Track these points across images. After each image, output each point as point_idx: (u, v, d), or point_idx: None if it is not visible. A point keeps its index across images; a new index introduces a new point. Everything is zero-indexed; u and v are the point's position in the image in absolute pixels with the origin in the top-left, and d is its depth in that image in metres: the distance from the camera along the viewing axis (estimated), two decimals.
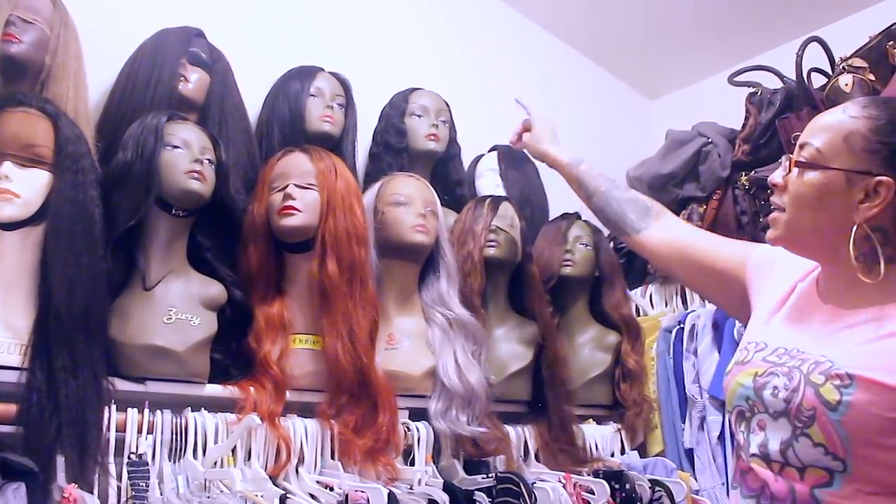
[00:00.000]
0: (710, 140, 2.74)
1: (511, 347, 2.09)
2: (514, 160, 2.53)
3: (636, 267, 2.86)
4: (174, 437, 1.45)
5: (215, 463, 1.47)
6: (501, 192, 2.42)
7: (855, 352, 1.10)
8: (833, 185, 1.16)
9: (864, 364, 1.07)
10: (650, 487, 1.99)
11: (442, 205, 2.05)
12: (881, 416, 1.03)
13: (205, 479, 1.44)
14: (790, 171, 1.22)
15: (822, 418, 1.07)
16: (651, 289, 2.85)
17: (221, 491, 1.42)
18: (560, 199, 2.52)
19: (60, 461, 1.26)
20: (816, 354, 1.13)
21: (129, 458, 1.38)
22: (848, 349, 1.10)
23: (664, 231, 1.57)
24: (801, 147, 1.21)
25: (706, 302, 2.43)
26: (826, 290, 1.23)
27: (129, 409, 1.41)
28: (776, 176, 1.24)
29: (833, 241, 1.17)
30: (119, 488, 1.35)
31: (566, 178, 1.79)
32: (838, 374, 1.07)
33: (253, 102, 2.03)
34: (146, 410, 1.43)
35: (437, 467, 1.78)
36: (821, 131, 1.19)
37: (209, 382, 1.57)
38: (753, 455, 1.17)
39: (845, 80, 2.31)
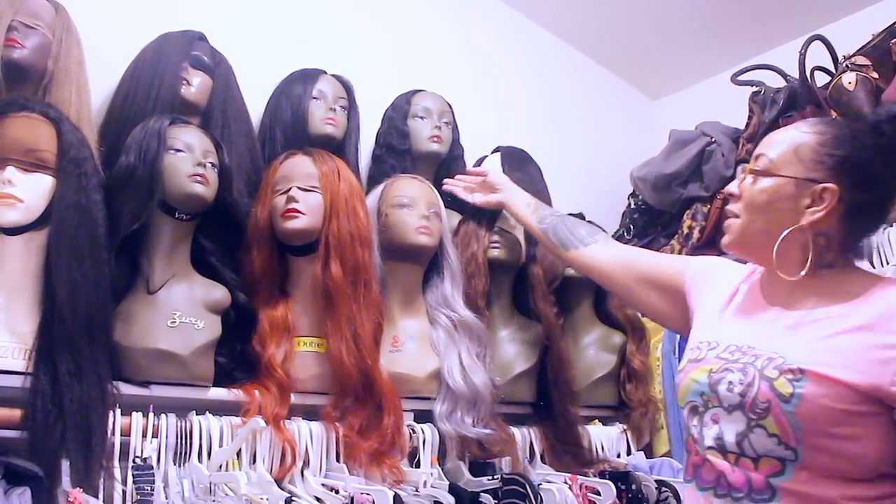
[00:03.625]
0: (713, 139, 2.74)
1: (516, 349, 2.09)
2: (517, 161, 2.51)
3: None
4: (179, 440, 1.45)
5: (220, 466, 1.47)
6: None
7: (806, 349, 1.20)
8: (784, 191, 1.29)
9: (814, 360, 1.17)
10: (657, 488, 1.99)
11: (445, 206, 2.05)
12: (830, 408, 1.13)
13: (210, 483, 1.44)
14: (744, 179, 1.35)
15: (777, 410, 1.16)
16: None
17: (227, 494, 1.42)
18: (563, 199, 2.52)
19: (65, 465, 1.26)
20: (769, 351, 1.22)
21: (133, 462, 1.37)
22: (799, 346, 1.21)
23: (611, 246, 1.74)
24: (757, 158, 1.34)
25: None
26: (771, 291, 1.34)
27: (134, 413, 1.41)
28: (732, 186, 1.38)
29: (783, 244, 1.28)
30: (124, 492, 1.35)
31: (516, 203, 1.95)
32: (791, 368, 1.17)
33: (255, 105, 2.03)
34: (151, 414, 1.43)
35: (442, 469, 1.78)
36: (774, 144, 1.34)
37: (214, 386, 1.57)
38: (710, 448, 1.25)
39: (848, 79, 2.30)
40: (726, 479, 1.21)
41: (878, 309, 1.19)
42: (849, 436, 1.14)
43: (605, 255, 1.70)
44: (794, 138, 1.31)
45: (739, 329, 1.32)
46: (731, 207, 1.37)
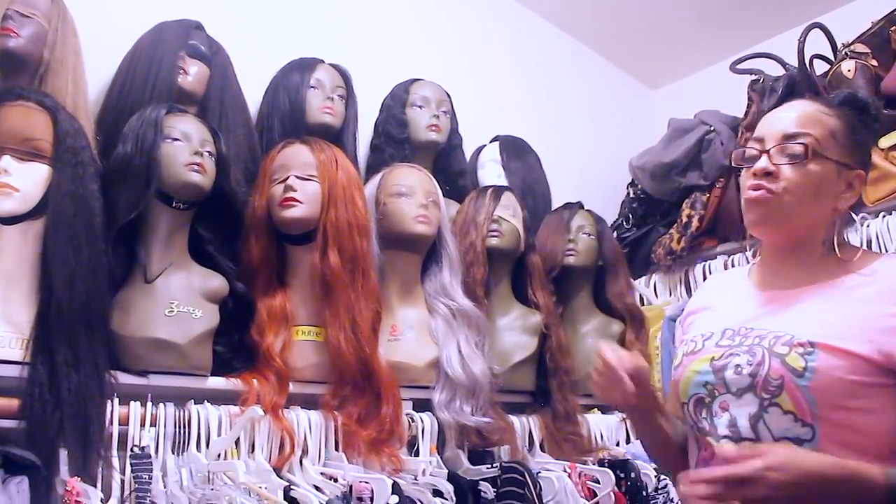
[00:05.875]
0: (712, 128, 2.73)
1: (515, 337, 2.09)
2: (515, 150, 2.52)
3: (640, 256, 2.85)
4: (177, 429, 1.45)
5: (219, 455, 1.47)
6: (503, 182, 2.41)
7: (813, 323, 1.17)
8: (830, 174, 1.24)
9: (824, 333, 1.15)
10: (655, 476, 1.99)
11: (444, 195, 2.04)
12: (844, 380, 1.11)
13: (208, 472, 1.44)
14: (775, 159, 1.24)
15: (791, 385, 1.13)
16: (655, 278, 2.85)
17: (225, 483, 1.41)
18: (562, 188, 2.52)
19: (63, 455, 1.26)
20: (775, 330, 1.19)
21: (132, 451, 1.37)
22: (805, 321, 1.18)
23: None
24: (793, 136, 1.24)
25: None
26: (770, 276, 1.31)
27: (132, 403, 1.41)
28: (765, 164, 1.24)
29: (816, 225, 1.25)
30: (122, 481, 1.35)
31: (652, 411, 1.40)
32: (801, 343, 1.15)
33: (253, 95, 2.02)
34: (149, 403, 1.43)
35: (441, 458, 1.78)
36: (812, 124, 1.25)
37: (212, 375, 1.57)
38: (725, 437, 1.19)
39: (848, 66, 2.30)
40: None
41: (883, 279, 1.18)
42: (864, 408, 1.12)
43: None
44: (826, 121, 1.25)
45: (733, 316, 1.29)
46: (769, 185, 1.23)
